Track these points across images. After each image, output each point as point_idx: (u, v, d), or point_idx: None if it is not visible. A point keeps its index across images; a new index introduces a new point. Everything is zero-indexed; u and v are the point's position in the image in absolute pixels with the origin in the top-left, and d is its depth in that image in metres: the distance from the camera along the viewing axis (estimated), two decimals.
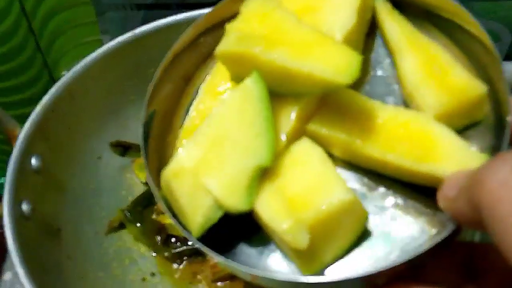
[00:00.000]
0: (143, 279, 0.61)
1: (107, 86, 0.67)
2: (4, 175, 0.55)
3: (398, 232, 0.35)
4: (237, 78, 0.38)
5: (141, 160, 0.67)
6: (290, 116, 0.37)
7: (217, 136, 0.35)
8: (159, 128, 0.42)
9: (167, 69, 0.43)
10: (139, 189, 0.68)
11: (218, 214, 0.34)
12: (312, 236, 0.32)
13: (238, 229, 0.37)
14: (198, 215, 0.34)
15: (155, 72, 0.42)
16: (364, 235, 0.36)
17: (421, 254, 0.32)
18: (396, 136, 0.36)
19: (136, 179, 0.69)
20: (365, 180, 0.38)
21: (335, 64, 0.34)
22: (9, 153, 0.56)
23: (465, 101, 0.36)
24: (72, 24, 0.81)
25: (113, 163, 0.68)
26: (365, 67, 0.40)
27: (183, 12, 0.68)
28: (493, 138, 0.37)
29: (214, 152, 0.35)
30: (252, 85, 0.35)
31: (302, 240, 0.32)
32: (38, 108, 0.59)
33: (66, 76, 0.62)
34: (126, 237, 0.64)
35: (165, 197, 0.37)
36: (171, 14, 0.68)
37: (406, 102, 0.39)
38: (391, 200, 0.37)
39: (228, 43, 0.37)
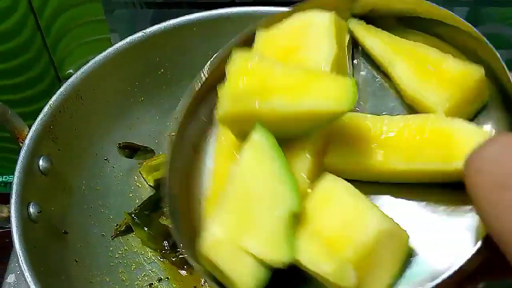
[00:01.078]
0: (150, 285, 0.60)
1: (116, 87, 0.65)
2: (11, 173, 0.54)
3: (442, 241, 0.34)
4: (241, 135, 0.37)
5: (148, 162, 0.66)
6: (305, 155, 0.36)
7: (242, 197, 0.34)
8: (183, 204, 0.41)
9: (176, 144, 0.42)
10: (146, 192, 0.67)
11: (266, 273, 0.33)
12: (358, 273, 0.31)
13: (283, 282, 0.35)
14: (247, 279, 0.33)
15: (167, 152, 0.41)
16: (409, 256, 0.34)
17: (473, 255, 0.31)
18: (415, 143, 0.35)
19: (143, 181, 0.68)
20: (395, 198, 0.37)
21: (332, 94, 0.34)
22: (16, 152, 0.55)
23: (467, 88, 0.36)
24: (80, 22, 0.80)
25: (120, 165, 0.67)
26: (363, 88, 0.41)
27: (193, 11, 0.67)
28: (506, 117, 0.37)
29: (243, 213, 0.34)
30: (259, 138, 0.35)
31: (349, 279, 0.31)
32: (46, 109, 0.58)
33: (74, 76, 0.61)
34: (133, 241, 0.63)
35: (208, 270, 0.36)
36: (181, 13, 0.67)
37: (411, 110, 0.39)
38: (427, 211, 0.36)
39: (225, 106, 0.36)
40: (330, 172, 0.36)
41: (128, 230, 0.63)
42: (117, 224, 0.63)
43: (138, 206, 0.65)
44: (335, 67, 0.38)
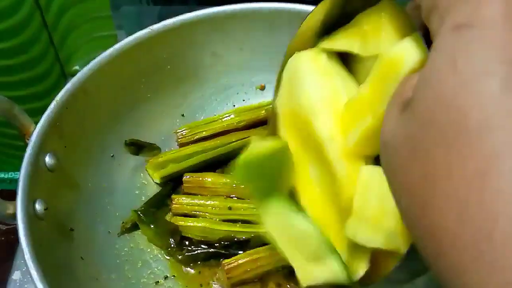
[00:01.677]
0: (156, 283, 0.60)
1: (122, 83, 0.65)
2: (17, 170, 0.54)
3: None
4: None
5: (154, 160, 0.66)
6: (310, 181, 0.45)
7: (290, 244, 0.43)
8: None
9: None
10: (152, 189, 0.67)
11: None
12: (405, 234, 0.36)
13: None
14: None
15: None
16: None
17: None
18: (379, 84, 0.37)
19: (149, 178, 0.67)
20: None
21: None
22: (23, 149, 0.55)
23: (396, 18, 0.38)
24: (86, 18, 0.80)
25: (126, 162, 0.66)
26: None
27: (201, 7, 0.67)
28: None
29: (297, 245, 0.43)
30: (273, 206, 0.44)
31: (398, 244, 0.37)
32: (53, 105, 0.58)
33: (81, 73, 0.61)
34: (139, 238, 0.63)
35: None
36: (188, 10, 0.67)
37: None
38: None
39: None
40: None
41: (134, 227, 0.63)
42: (123, 222, 0.63)
43: (144, 204, 0.64)
44: (331, 91, 0.43)
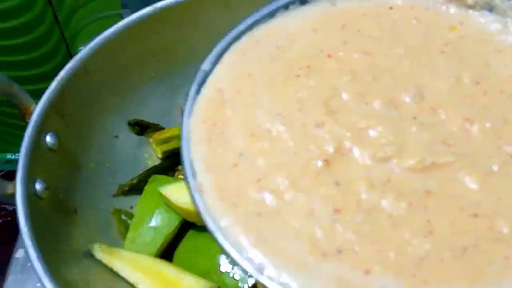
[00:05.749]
0: None
1: (125, 62, 0.64)
2: (19, 151, 0.53)
3: None
4: None
5: (158, 135, 0.65)
6: None
7: None
8: None
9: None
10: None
11: None
12: None
13: None
14: None
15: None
16: None
17: None
18: None
19: (153, 158, 0.66)
20: None
21: None
22: (24, 129, 0.54)
23: None
24: None
25: (130, 141, 0.66)
26: None
27: None
28: None
29: None
30: None
31: None
32: (54, 84, 0.57)
33: (83, 51, 0.60)
34: None
35: None
36: None
37: None
38: None
39: None
40: None
41: (131, 190, 0.63)
42: (120, 184, 0.63)
43: (144, 171, 0.64)
44: None
